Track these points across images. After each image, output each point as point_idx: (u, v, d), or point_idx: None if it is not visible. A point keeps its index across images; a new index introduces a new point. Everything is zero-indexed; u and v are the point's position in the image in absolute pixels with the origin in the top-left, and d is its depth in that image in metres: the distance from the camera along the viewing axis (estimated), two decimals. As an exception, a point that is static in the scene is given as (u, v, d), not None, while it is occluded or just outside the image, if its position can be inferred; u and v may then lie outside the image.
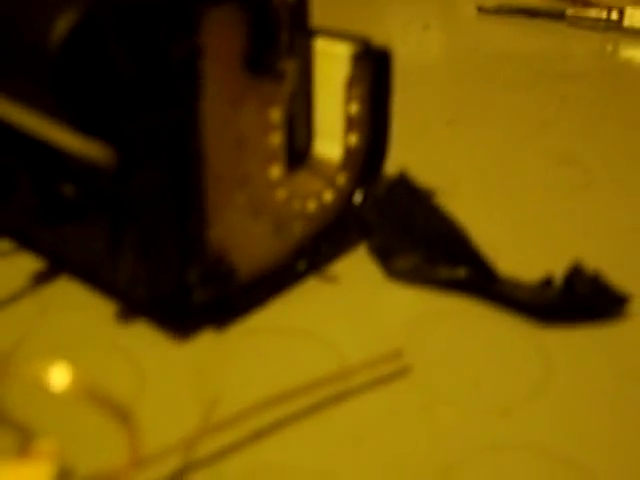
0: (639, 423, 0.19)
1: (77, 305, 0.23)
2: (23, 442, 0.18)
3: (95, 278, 0.23)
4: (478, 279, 0.23)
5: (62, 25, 0.17)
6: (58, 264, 0.24)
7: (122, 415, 0.14)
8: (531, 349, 0.21)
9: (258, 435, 0.19)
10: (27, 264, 0.25)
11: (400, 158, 0.25)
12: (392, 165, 0.25)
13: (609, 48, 0.44)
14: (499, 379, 0.20)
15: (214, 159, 0.20)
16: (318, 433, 0.19)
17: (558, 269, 0.23)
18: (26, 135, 0.19)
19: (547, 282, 0.23)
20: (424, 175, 0.27)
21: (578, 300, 0.22)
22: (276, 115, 0.21)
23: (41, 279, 0.24)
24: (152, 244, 0.20)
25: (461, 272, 0.23)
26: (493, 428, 0.19)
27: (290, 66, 0.21)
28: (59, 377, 0.15)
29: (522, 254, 0.25)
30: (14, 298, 0.24)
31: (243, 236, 0.22)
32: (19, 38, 0.17)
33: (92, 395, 0.15)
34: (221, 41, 0.19)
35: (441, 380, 0.20)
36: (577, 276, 0.22)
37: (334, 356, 0.21)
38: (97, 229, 0.20)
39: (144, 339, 0.22)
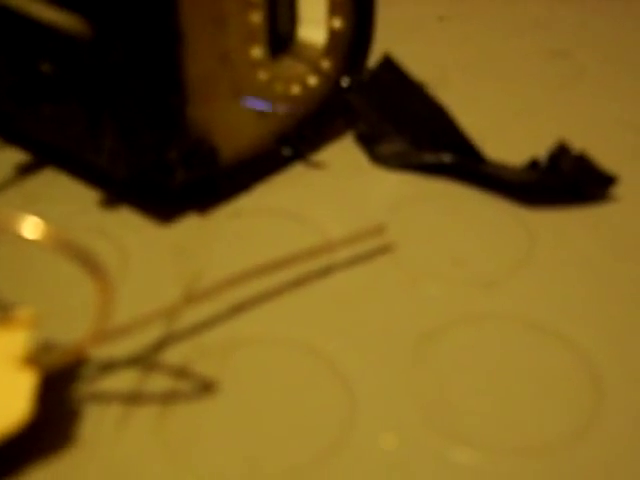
0: (619, 296, 0.19)
1: (62, 195, 0.23)
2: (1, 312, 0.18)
3: (77, 163, 0.23)
4: (464, 162, 0.23)
5: None
6: (42, 156, 0.24)
7: (94, 267, 0.14)
8: (516, 228, 0.21)
9: (239, 308, 0.19)
10: (12, 157, 0.25)
11: (388, 52, 0.25)
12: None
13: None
14: (483, 255, 0.20)
15: (192, 35, 0.20)
16: (300, 306, 0.19)
17: (544, 154, 0.23)
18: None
19: (533, 165, 0.22)
20: (412, 68, 0.27)
21: (563, 178, 0.22)
22: (258, -11, 0.21)
23: (26, 171, 0.24)
24: (131, 121, 0.20)
25: (447, 157, 0.23)
26: (476, 299, 0.19)
27: None
28: (31, 228, 0.15)
29: (509, 142, 0.25)
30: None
31: (225, 118, 0.22)
32: None
33: (64, 245, 0.14)
34: None
35: (425, 256, 0.20)
36: (562, 155, 0.22)
37: (319, 236, 0.21)
38: (76, 109, 0.20)
39: (128, 222, 0.22)
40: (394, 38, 0.26)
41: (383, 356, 0.17)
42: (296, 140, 0.24)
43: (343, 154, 0.24)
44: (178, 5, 0.19)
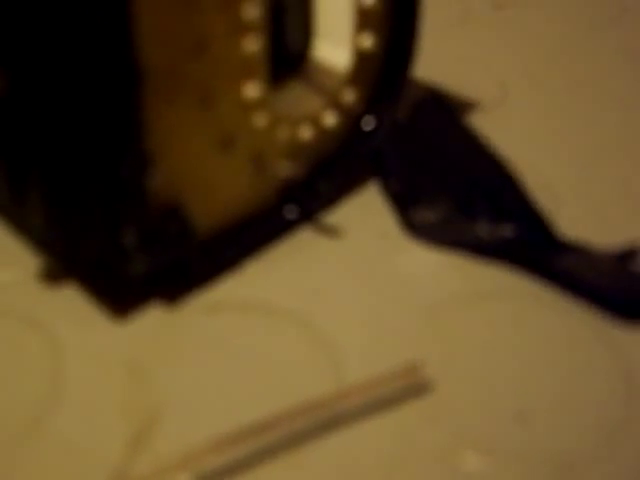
0: None
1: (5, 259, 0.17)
2: None
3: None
4: (529, 243, 0.17)
5: None
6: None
7: None
8: (607, 359, 0.15)
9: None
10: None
11: (432, 57, 0.18)
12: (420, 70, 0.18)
13: None
14: (556, 406, 0.14)
15: (160, 72, 0.14)
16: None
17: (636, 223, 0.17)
18: None
19: (631, 252, 0.16)
20: (463, 80, 0.21)
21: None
22: (251, 11, 0.15)
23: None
24: (67, 195, 0.14)
25: (507, 230, 0.17)
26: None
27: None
28: None
29: (594, 201, 0.19)
30: None
31: (206, 177, 0.16)
32: None
33: None
34: None
35: (474, 408, 0.14)
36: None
37: (323, 351, 0.15)
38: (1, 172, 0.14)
39: (71, 313, 0.16)
40: (441, 34, 0.20)
41: None
42: (305, 198, 0.18)
43: (366, 219, 0.18)
44: (133, 37, 0.13)
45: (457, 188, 0.18)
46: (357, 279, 0.17)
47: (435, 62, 0.19)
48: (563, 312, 0.16)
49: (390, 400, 0.14)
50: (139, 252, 0.15)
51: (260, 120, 0.16)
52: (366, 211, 0.18)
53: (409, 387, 0.14)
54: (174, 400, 0.15)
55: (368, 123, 0.18)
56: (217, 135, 0.16)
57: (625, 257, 0.16)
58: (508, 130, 0.20)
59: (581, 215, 0.18)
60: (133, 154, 0.14)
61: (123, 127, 0.14)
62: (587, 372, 0.15)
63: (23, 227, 0.16)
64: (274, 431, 0.13)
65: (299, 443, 0.14)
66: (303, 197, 0.18)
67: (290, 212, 0.18)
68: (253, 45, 0.15)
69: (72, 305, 0.16)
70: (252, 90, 0.16)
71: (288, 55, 0.17)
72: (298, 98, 0.17)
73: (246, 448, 0.13)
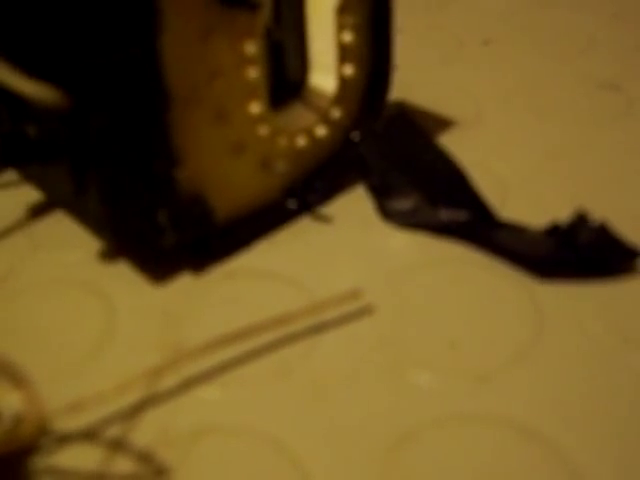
0: (621, 396, 0.17)
1: (65, 243, 0.23)
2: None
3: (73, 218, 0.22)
4: (479, 223, 0.22)
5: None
6: (47, 198, 0.24)
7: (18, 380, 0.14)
8: (524, 305, 0.20)
9: (209, 394, 0.18)
10: (27, 194, 0.24)
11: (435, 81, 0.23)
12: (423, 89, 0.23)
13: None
14: (484, 338, 0.19)
15: (183, 94, 0.19)
16: (274, 393, 0.18)
17: (571, 210, 0.21)
18: None
19: (553, 230, 0.21)
20: (444, 101, 0.26)
21: (580, 252, 0.20)
22: (251, 48, 0.20)
23: (36, 213, 0.24)
24: (115, 186, 0.19)
25: (462, 214, 0.22)
26: (465, 396, 0.18)
27: (268, -6, 0.20)
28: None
29: (535, 193, 0.23)
30: (9, 231, 0.23)
31: (222, 175, 0.21)
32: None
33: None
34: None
35: (419, 336, 0.19)
36: (580, 226, 0.20)
37: (308, 297, 0.20)
38: (62, 170, 0.20)
39: (122, 279, 0.21)
40: (435, 63, 0.24)
41: (352, 460, 0.16)
42: (303, 192, 0.23)
43: (352, 208, 0.23)
44: (161, 68, 0.18)
45: (422, 184, 0.22)
46: (343, 254, 0.22)
47: (429, 89, 0.24)
48: (497, 272, 0.21)
49: (340, 322, 0.19)
50: (170, 229, 0.20)
51: (263, 130, 0.21)
52: (351, 202, 0.23)
53: (356, 311, 0.19)
54: (193, 339, 0.19)
55: (354, 135, 0.23)
56: (230, 142, 0.21)
57: (549, 232, 0.21)
58: (481, 144, 0.25)
59: (522, 204, 0.23)
60: (164, 156, 0.19)
61: (157, 136, 0.19)
62: (509, 314, 0.19)
63: (83, 215, 0.21)
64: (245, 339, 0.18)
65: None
66: (302, 192, 0.23)
67: (291, 203, 0.23)
68: (255, 73, 0.20)
69: (121, 273, 0.22)
70: (255, 107, 0.21)
71: (289, 82, 0.23)
72: (297, 114, 0.22)
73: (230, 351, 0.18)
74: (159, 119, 0.19)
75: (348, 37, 0.21)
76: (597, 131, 0.26)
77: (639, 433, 0.16)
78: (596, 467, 0.16)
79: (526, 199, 0.23)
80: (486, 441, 0.17)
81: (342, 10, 0.21)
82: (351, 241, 0.22)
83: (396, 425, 0.17)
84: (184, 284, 0.21)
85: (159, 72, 0.18)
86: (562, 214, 0.21)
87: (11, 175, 0.25)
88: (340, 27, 0.21)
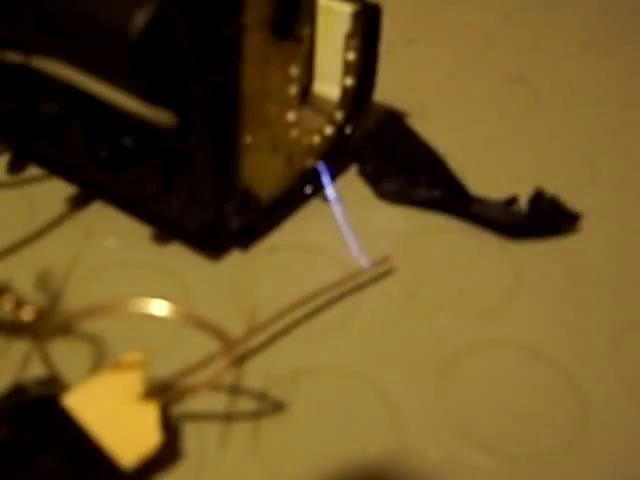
0: (590, 314, 0.25)
1: (114, 229, 0.27)
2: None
3: (138, 209, 0.27)
4: (452, 199, 0.28)
5: (140, 19, 0.20)
6: (90, 191, 0.28)
7: (220, 332, 0.19)
8: (503, 259, 0.27)
9: (296, 341, 0.24)
10: (61, 188, 0.28)
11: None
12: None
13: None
14: (481, 285, 0.26)
15: (249, 112, 0.24)
16: (340, 340, 0.24)
17: (513, 184, 0.28)
18: (97, 101, 0.22)
19: (512, 201, 0.28)
20: (393, 96, 0.32)
21: (541, 220, 0.27)
22: (294, 70, 0.25)
23: (77, 204, 0.28)
24: (199, 184, 0.24)
25: (437, 193, 0.28)
26: (479, 329, 0.24)
27: (307, 31, 0.25)
28: (159, 308, 0.19)
29: (486, 173, 0.30)
30: (58, 222, 0.27)
31: (263, 169, 0.26)
32: (103, 28, 0.21)
33: (194, 320, 0.19)
34: (257, 17, 0.23)
35: (433, 288, 0.26)
36: (539, 199, 0.27)
37: (337, 265, 0.26)
38: (151, 173, 0.24)
39: (182, 259, 0.26)
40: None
41: (413, 379, 0.23)
42: (315, 179, 0.28)
43: (352, 190, 0.29)
44: (240, 90, 0.23)
45: (407, 168, 0.29)
46: (352, 226, 0.28)
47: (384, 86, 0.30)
48: (473, 237, 0.27)
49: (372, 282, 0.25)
50: (234, 217, 0.25)
51: (294, 133, 0.27)
52: (351, 185, 0.29)
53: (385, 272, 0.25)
54: (263, 302, 0.25)
55: (347, 129, 0.29)
56: (270, 144, 0.26)
57: (508, 203, 0.28)
58: (430, 129, 0.32)
59: (485, 182, 0.29)
60: (234, 160, 0.24)
61: (231, 146, 0.24)
62: (494, 266, 0.26)
63: (166, 209, 0.26)
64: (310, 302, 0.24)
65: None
66: (314, 179, 0.28)
67: (307, 189, 0.28)
68: (295, 89, 0.25)
69: (178, 253, 0.26)
70: (291, 116, 0.26)
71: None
72: (310, 118, 0.28)
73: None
74: (234, 134, 0.24)
75: (352, 56, 0.27)
76: (515, 119, 0.33)
77: (619, 339, 0.24)
78: (586, 369, 0.23)
79: (482, 176, 0.30)
80: (498, 360, 0.23)
81: (350, 36, 0.27)
82: (356, 216, 0.28)
83: (436, 353, 0.23)
84: (237, 259, 0.26)
85: (239, 93, 0.23)
86: (507, 190, 0.28)
87: (31, 171, 0.29)
88: (347, 48, 0.27)
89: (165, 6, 0.20)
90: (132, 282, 0.25)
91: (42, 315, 0.19)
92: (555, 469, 0.20)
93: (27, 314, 0.19)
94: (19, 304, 0.18)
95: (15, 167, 0.30)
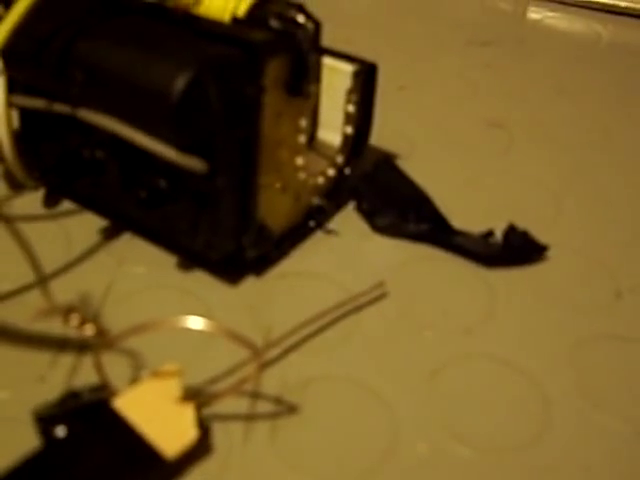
0: (554, 330, 0.29)
1: (144, 257, 0.31)
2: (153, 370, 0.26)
3: (165, 240, 0.31)
4: (438, 232, 0.32)
5: (180, 83, 0.24)
6: (121, 223, 0.32)
7: (249, 343, 0.23)
8: (480, 285, 0.31)
9: (305, 355, 0.28)
10: (93, 221, 0.32)
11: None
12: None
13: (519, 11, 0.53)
14: (461, 307, 0.30)
15: (265, 161, 0.28)
16: (344, 353, 0.28)
17: (490, 219, 0.32)
18: (136, 148, 0.26)
19: (489, 233, 0.32)
20: (386, 140, 0.36)
21: (513, 249, 0.31)
22: (304, 122, 0.29)
23: (110, 235, 0.32)
24: (224, 220, 0.28)
25: (425, 227, 0.33)
26: (461, 343, 0.28)
27: (315, 88, 0.29)
28: (195, 323, 0.23)
29: (467, 209, 0.34)
30: (93, 251, 0.31)
31: (275, 207, 0.30)
32: (148, 89, 0.25)
33: (227, 333, 0.23)
34: (274, 79, 0.27)
35: (421, 308, 0.30)
36: (512, 232, 0.31)
37: (343, 291, 0.30)
38: (181, 211, 0.28)
39: (205, 283, 0.30)
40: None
41: (403, 384, 0.27)
42: (318, 214, 0.32)
43: (350, 224, 0.33)
44: (260, 142, 0.28)
45: (398, 205, 0.33)
46: (346, 256, 0.32)
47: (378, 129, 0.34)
48: (455, 265, 0.31)
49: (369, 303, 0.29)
50: (251, 247, 0.29)
51: (302, 176, 0.31)
52: (349, 219, 0.33)
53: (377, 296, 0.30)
54: (277, 322, 0.29)
55: (346, 170, 0.33)
56: (281, 185, 0.30)
57: (486, 236, 0.32)
58: (418, 170, 0.36)
59: (466, 217, 0.34)
60: (252, 203, 0.29)
61: (250, 190, 0.28)
62: (471, 292, 0.30)
63: (192, 242, 0.30)
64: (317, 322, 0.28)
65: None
66: (317, 214, 0.33)
67: (311, 223, 0.33)
68: (304, 139, 0.30)
69: (200, 279, 0.30)
70: (300, 160, 0.30)
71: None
72: (315, 161, 0.32)
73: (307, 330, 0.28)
74: (254, 178, 0.28)
75: (352, 108, 0.31)
76: (492, 160, 0.38)
77: (579, 351, 0.28)
78: (555, 380, 0.27)
79: (463, 211, 0.34)
80: (476, 369, 0.27)
81: (351, 91, 0.31)
82: (354, 247, 0.32)
83: (425, 363, 0.27)
84: (253, 283, 0.30)
85: (259, 145, 0.28)
86: (485, 224, 0.32)
87: (65, 205, 0.33)
88: (347, 101, 0.31)
89: (201, 71, 0.24)
90: (161, 304, 0.29)
91: (101, 332, 0.23)
92: (524, 458, 0.25)
93: (90, 330, 0.22)
94: (83, 321, 0.22)
95: (50, 201, 0.34)
